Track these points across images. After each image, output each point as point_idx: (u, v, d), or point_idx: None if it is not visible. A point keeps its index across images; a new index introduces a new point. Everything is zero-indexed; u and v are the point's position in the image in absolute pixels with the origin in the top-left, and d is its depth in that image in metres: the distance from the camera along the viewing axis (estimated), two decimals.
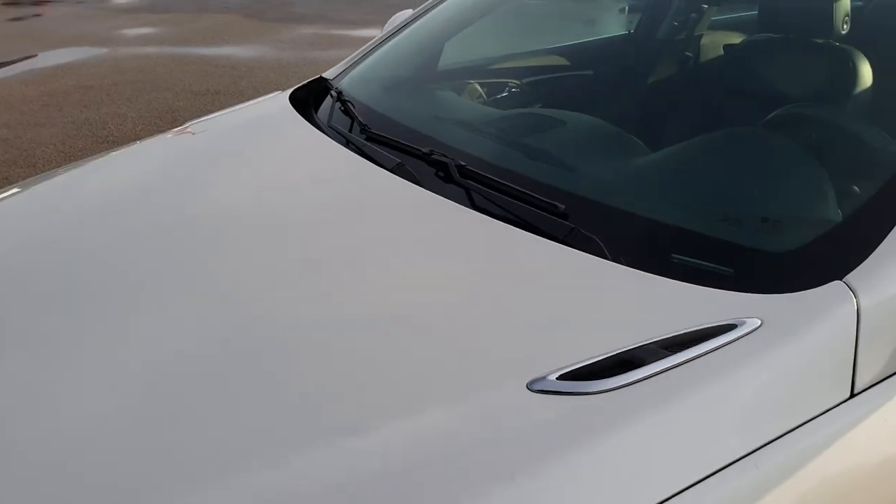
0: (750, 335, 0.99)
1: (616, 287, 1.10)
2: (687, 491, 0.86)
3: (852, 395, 0.99)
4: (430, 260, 1.23)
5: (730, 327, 1.00)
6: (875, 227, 1.07)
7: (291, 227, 1.36)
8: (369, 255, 1.25)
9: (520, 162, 1.45)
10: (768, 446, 0.92)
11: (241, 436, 0.93)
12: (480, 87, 2.12)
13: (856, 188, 1.21)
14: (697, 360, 0.96)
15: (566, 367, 0.97)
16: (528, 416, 0.92)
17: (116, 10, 11.84)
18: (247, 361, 1.04)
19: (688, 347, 0.97)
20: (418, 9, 2.35)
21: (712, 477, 0.88)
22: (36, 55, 8.47)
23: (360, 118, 1.67)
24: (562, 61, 2.39)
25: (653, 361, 0.96)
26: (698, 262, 1.13)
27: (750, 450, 0.91)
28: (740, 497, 0.89)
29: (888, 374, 1.01)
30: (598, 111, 1.66)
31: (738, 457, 0.90)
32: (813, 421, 0.96)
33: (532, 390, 0.95)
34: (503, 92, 2.14)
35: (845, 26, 1.87)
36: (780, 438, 0.93)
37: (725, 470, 0.89)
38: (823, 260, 1.07)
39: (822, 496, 0.94)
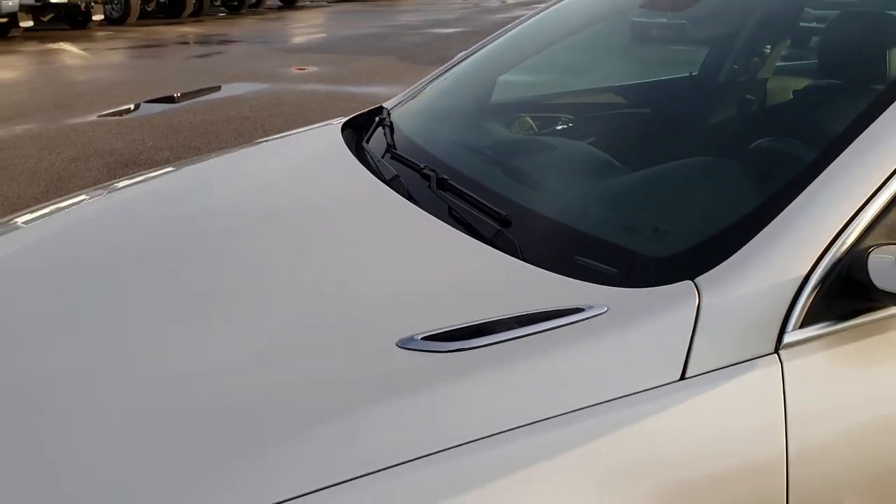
0: (594, 318, 1.15)
1: (502, 276, 1.29)
2: (504, 434, 1.04)
3: (682, 378, 1.12)
4: (377, 247, 1.46)
5: (578, 310, 1.17)
6: (733, 241, 1.20)
7: (283, 221, 1.64)
8: (330, 242, 1.50)
9: (486, 177, 1.65)
10: (592, 408, 1.08)
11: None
12: (532, 120, 2.32)
13: (732, 207, 1.34)
14: (542, 333, 1.14)
15: (432, 331, 1.17)
16: (388, 365, 1.13)
17: (288, 50, 12.82)
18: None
19: (536, 323, 1.15)
20: (480, 43, 2.58)
21: (530, 426, 1.05)
22: (210, 87, 9.36)
23: (388, 140, 1.93)
24: (614, 99, 2.55)
25: (503, 331, 1.15)
26: (580, 259, 1.30)
27: (569, 409, 1.07)
28: (557, 448, 1.05)
29: (720, 366, 1.14)
30: (583, 137, 1.84)
31: (556, 413, 1.07)
32: (639, 394, 1.10)
33: (399, 346, 1.15)
34: (552, 126, 2.34)
35: None
36: (606, 403, 1.09)
37: (545, 422, 1.06)
38: (682, 264, 1.22)
39: (639, 462, 1.09)
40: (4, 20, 14.12)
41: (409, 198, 1.63)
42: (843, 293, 1.18)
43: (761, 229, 1.20)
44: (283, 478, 0.97)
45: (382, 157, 1.89)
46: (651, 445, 1.09)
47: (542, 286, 1.25)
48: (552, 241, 1.39)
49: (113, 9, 17.29)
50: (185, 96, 8.92)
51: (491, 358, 1.11)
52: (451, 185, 1.59)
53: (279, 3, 22.74)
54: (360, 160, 1.91)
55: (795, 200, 1.21)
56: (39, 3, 14.79)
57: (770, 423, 1.13)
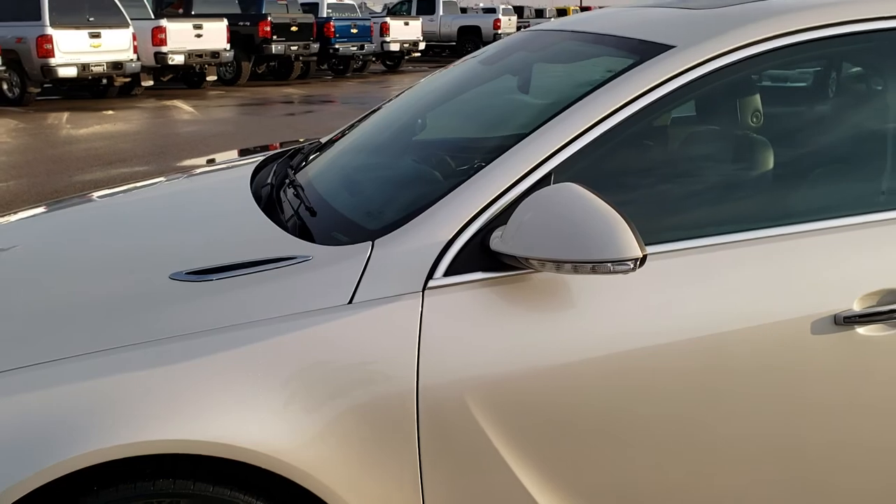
0: (300, 262, 1.70)
1: (264, 241, 1.85)
2: (227, 328, 1.59)
3: (350, 303, 1.65)
4: (198, 225, 2.07)
5: (292, 258, 1.72)
6: (405, 220, 1.74)
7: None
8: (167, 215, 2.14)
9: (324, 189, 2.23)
10: (289, 316, 1.61)
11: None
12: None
13: (412, 201, 1.85)
14: (264, 272, 1.69)
15: (196, 269, 1.74)
16: (161, 287, 1.71)
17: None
18: None
19: (262, 264, 1.71)
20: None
21: (246, 325, 1.60)
22: (288, 140, 10.28)
23: (288, 163, 2.54)
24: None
25: (241, 269, 1.71)
26: (334, 233, 1.85)
27: (274, 315, 1.61)
28: (264, 338, 1.59)
29: (378, 297, 1.66)
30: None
31: (264, 317, 1.61)
32: (320, 310, 1.63)
33: (169, 278, 1.73)
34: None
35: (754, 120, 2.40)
36: (297, 314, 1.62)
37: (257, 322, 1.60)
38: (374, 233, 1.75)
39: (318, 359, 1.61)
40: (128, 79, 15.70)
41: (256, 197, 2.23)
42: (478, 255, 1.69)
43: (421, 213, 1.73)
44: (74, 343, 1.56)
45: (269, 173, 2.49)
46: (325, 348, 1.61)
47: (285, 245, 1.81)
48: (324, 220, 1.95)
49: (226, 70, 18.84)
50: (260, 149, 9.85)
51: (234, 284, 1.68)
52: (287, 191, 2.18)
53: (383, 68, 24.07)
54: (254, 173, 2.52)
55: (445, 197, 1.74)
56: (159, 65, 16.38)
57: (408, 337, 1.64)
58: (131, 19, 15.50)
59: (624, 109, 1.80)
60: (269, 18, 18.67)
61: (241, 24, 18.63)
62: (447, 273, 1.69)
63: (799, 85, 2.28)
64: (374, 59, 23.01)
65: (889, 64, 2.00)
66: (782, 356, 1.77)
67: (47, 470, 1.46)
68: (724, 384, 1.75)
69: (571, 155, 1.77)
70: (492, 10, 31.10)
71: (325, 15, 21.67)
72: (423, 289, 1.67)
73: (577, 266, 1.57)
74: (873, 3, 1.94)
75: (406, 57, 23.41)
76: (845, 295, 1.79)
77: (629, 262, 1.54)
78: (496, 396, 1.67)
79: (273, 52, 18.82)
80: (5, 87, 14.40)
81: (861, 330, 1.80)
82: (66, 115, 13.40)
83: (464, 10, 30.89)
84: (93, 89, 15.91)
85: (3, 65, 13.49)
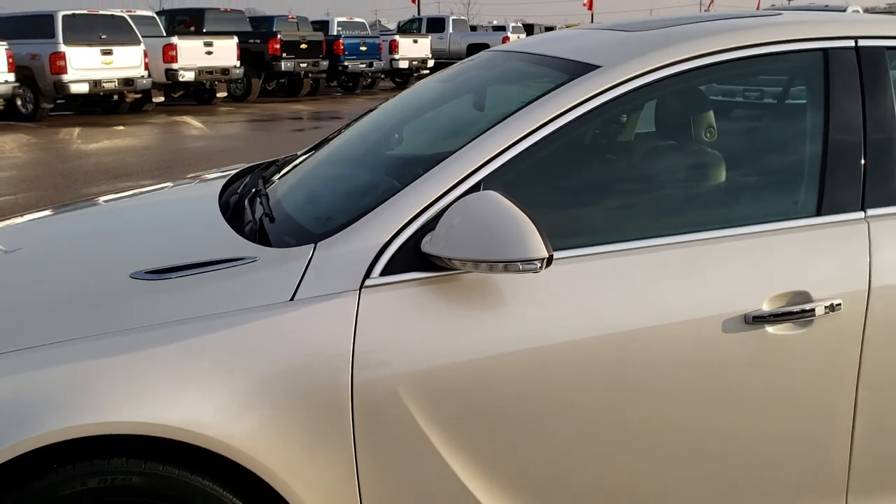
0: (247, 263, 1.86)
1: (223, 245, 2.01)
2: (179, 322, 1.74)
3: (291, 300, 1.80)
4: (164, 231, 2.23)
5: (240, 259, 1.88)
6: (347, 224, 1.89)
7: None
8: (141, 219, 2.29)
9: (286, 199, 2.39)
10: (237, 311, 1.76)
11: None
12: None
13: (356, 209, 1.99)
14: (215, 271, 1.85)
15: (154, 269, 1.90)
16: (122, 285, 1.87)
17: None
18: None
19: (214, 264, 1.87)
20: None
21: (200, 317, 1.75)
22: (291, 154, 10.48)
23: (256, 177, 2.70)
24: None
25: (195, 269, 1.86)
26: (284, 237, 2.01)
27: (224, 310, 1.76)
28: (215, 330, 1.74)
29: (318, 294, 1.81)
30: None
31: (214, 312, 1.76)
32: (264, 306, 1.78)
33: (129, 277, 1.89)
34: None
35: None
36: (243, 309, 1.77)
37: (210, 316, 1.75)
38: (318, 235, 1.91)
39: (260, 351, 1.76)
40: (139, 96, 16.01)
41: (224, 205, 2.39)
42: (412, 257, 1.84)
43: (360, 218, 1.88)
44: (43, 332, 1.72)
45: (241, 184, 2.65)
46: (267, 341, 1.76)
47: (238, 248, 1.96)
48: (279, 226, 2.10)
49: (236, 87, 19.14)
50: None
51: (187, 283, 1.83)
52: (252, 199, 2.35)
53: (392, 85, 24.34)
54: (228, 184, 2.69)
55: (382, 205, 1.89)
56: (170, 82, 16.68)
57: (344, 332, 1.79)
58: (144, 37, 15.82)
59: (550, 125, 1.95)
60: (278, 36, 18.98)
61: (252, 41, 18.94)
62: (383, 273, 1.84)
63: (717, 99, 2.43)
64: (383, 76, 23.29)
65: (796, 82, 2.15)
66: (695, 352, 1.91)
67: (7, 449, 1.61)
68: (639, 378, 1.89)
69: (500, 165, 1.92)
70: (501, 28, 31.37)
71: (335, 33, 21.98)
72: (360, 287, 1.82)
73: (492, 265, 1.72)
74: (773, 29, 2.10)
75: (415, 74, 23.68)
76: (756, 296, 1.93)
77: (536, 262, 1.69)
78: (428, 388, 1.82)
79: (282, 69, 19.11)
80: (19, 102, 14.72)
81: (770, 329, 1.93)
82: (77, 130, 13.68)
83: (473, 28, 31.20)
84: (105, 105, 16.22)
85: (17, 81, 13.80)
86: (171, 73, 16.56)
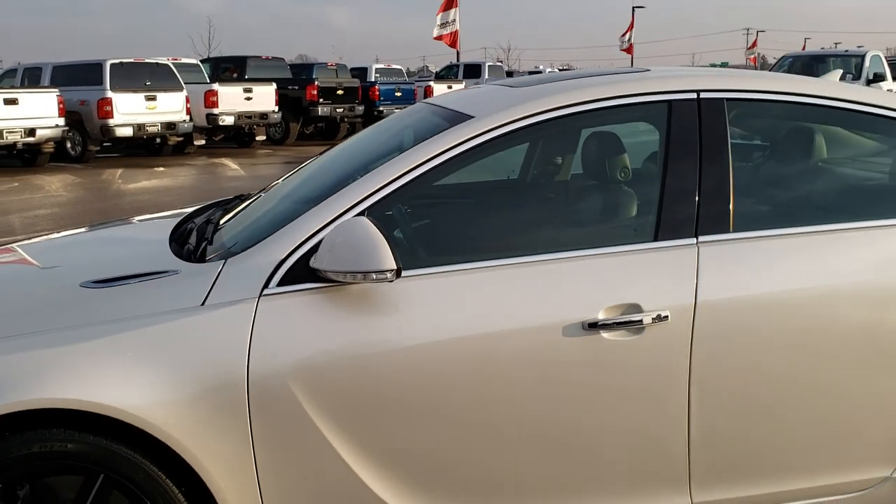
0: (170, 275, 2.29)
1: (155, 261, 2.44)
2: (111, 321, 2.18)
3: (202, 305, 2.22)
4: (116, 251, 2.67)
5: (166, 272, 2.31)
6: (252, 245, 2.32)
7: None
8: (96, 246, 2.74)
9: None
10: (161, 313, 2.19)
11: None
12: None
13: (267, 233, 2.41)
14: (145, 281, 2.28)
15: (100, 279, 2.35)
16: (73, 292, 2.31)
17: None
18: None
19: (145, 276, 2.30)
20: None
21: (128, 318, 2.18)
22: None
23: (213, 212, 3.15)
24: None
25: (129, 279, 2.30)
26: (208, 255, 2.44)
27: (148, 312, 2.19)
28: (146, 329, 2.17)
29: (224, 301, 2.22)
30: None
31: (140, 314, 2.19)
32: (180, 310, 2.21)
33: (80, 286, 2.33)
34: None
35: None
36: (166, 311, 2.20)
37: (137, 317, 2.19)
38: (231, 253, 2.33)
39: (179, 350, 2.18)
40: (181, 139, 16.82)
41: (175, 231, 2.84)
42: (305, 271, 2.25)
43: (263, 240, 2.31)
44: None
45: (200, 214, 3.10)
46: (181, 339, 2.18)
47: (169, 264, 2.40)
48: (210, 247, 2.53)
49: (275, 131, 19.93)
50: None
51: (122, 290, 2.27)
52: (201, 226, 2.79)
53: None
54: (193, 214, 3.14)
55: (283, 228, 2.31)
56: (211, 126, 17.49)
57: (243, 333, 2.19)
58: (188, 83, 16.66)
59: (425, 164, 2.36)
60: (316, 83, 19.75)
61: (290, 87, 19.73)
62: (280, 284, 2.25)
63: (569, 143, 2.82)
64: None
65: (645, 128, 2.54)
66: (543, 353, 2.28)
67: None
68: (495, 374, 2.26)
69: (382, 197, 2.33)
70: (537, 72, 31.93)
71: (372, 79, 22.75)
72: (259, 295, 2.24)
73: (354, 275, 2.13)
74: (624, 85, 2.50)
75: None
76: (592, 307, 2.30)
77: (387, 273, 2.10)
78: (312, 379, 2.21)
79: (319, 113, 19.85)
80: (68, 145, 15.60)
81: (606, 334, 2.30)
82: (119, 171, 14.46)
83: (510, 74, 31.82)
84: (148, 147, 17.06)
85: (66, 125, 14.68)
86: (211, 118, 17.37)
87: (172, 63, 16.90)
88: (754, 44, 72.57)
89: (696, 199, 2.43)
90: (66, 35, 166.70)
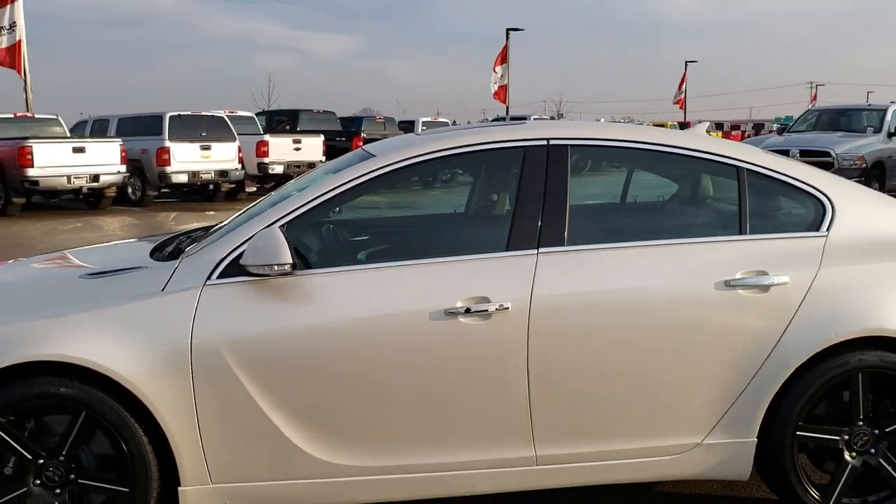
0: (140, 269, 3.12)
1: (135, 262, 3.28)
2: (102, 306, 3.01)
3: (162, 291, 3.04)
4: (114, 256, 3.53)
5: (137, 268, 3.14)
6: (201, 249, 3.14)
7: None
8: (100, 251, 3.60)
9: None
10: (141, 297, 3.02)
11: None
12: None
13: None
14: (122, 274, 3.11)
15: (92, 272, 3.18)
16: (74, 282, 3.16)
17: None
18: None
19: (124, 271, 3.14)
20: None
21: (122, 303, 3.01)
22: None
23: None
24: None
25: (115, 272, 3.14)
26: (168, 256, 3.26)
27: (133, 297, 3.02)
28: (133, 308, 3.00)
29: (179, 289, 3.03)
30: None
31: (129, 297, 3.02)
32: (146, 295, 3.03)
33: (78, 277, 3.18)
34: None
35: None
36: (142, 296, 3.02)
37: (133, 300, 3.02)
38: (186, 255, 3.16)
39: (155, 330, 3.00)
40: (233, 185, 18.01)
41: (157, 243, 3.68)
42: (238, 267, 3.05)
43: (211, 244, 3.12)
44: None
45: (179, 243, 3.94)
46: (146, 317, 2.99)
47: (143, 263, 3.23)
48: (179, 253, 3.36)
49: None
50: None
51: (105, 280, 3.11)
52: (180, 238, 3.62)
53: (471, 179, 25.90)
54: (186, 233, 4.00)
55: (225, 235, 3.13)
56: (261, 174, 18.68)
57: (188, 313, 2.99)
58: (241, 134, 17.91)
59: (334, 190, 3.16)
60: (362, 134, 20.88)
61: (338, 139, 20.89)
62: (220, 276, 3.05)
63: (455, 176, 3.61)
64: (461, 171, 24.91)
65: (509, 167, 3.32)
66: (413, 332, 3.02)
67: None
68: (379, 351, 3.01)
69: (298, 215, 3.13)
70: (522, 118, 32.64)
71: (419, 132, 23.82)
72: (203, 285, 3.04)
73: (264, 267, 2.92)
74: (486, 134, 3.28)
75: None
76: (452, 298, 3.04)
77: (286, 266, 2.89)
78: (240, 350, 2.99)
79: None
80: (129, 190, 16.91)
81: (462, 319, 3.03)
82: (174, 214, 15.63)
83: None
84: (203, 193, 18.28)
85: (128, 172, 15.98)
86: (262, 166, 18.57)
87: (227, 115, 18.19)
88: (814, 98, 72.21)
89: (539, 220, 3.17)
90: (156, 89, 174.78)
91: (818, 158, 14.51)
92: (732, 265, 3.15)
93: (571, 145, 3.29)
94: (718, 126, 50.49)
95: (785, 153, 14.97)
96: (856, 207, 3.33)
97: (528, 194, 3.21)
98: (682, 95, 46.16)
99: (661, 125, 43.84)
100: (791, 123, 17.94)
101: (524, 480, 3.15)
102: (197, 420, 3.00)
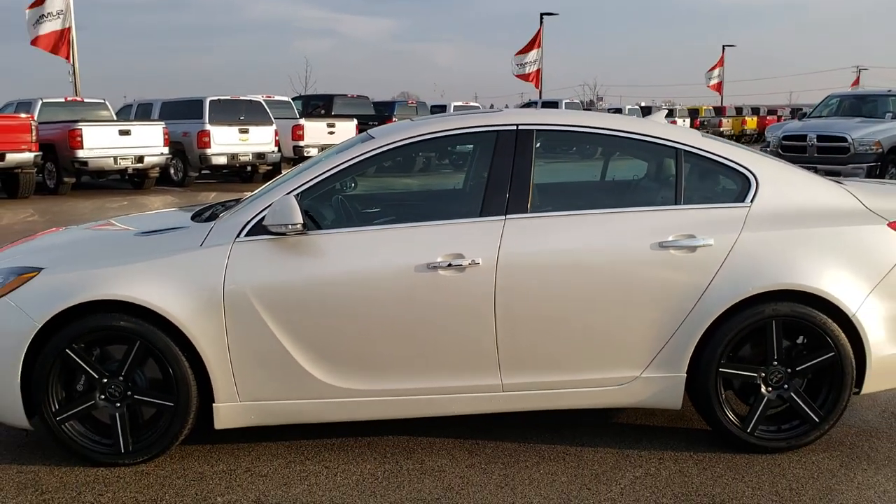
0: (183, 229, 3.87)
1: (180, 223, 4.03)
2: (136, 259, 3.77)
3: (201, 246, 3.78)
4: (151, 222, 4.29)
5: (181, 227, 3.90)
6: (232, 212, 3.89)
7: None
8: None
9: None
10: (184, 250, 3.77)
11: None
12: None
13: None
14: (170, 232, 3.86)
15: (145, 230, 3.94)
16: (127, 240, 3.92)
17: None
18: None
19: (171, 230, 3.89)
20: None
21: (162, 255, 3.77)
22: None
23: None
24: None
25: (164, 231, 3.89)
26: (208, 219, 4.01)
27: (173, 251, 3.77)
28: (169, 258, 3.75)
29: (215, 244, 3.78)
30: None
31: (163, 254, 3.77)
32: (189, 248, 3.78)
33: (134, 235, 3.94)
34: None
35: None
36: (185, 249, 3.77)
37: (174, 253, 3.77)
38: (218, 218, 3.90)
39: (200, 276, 3.74)
40: (270, 167, 18.85)
41: (198, 210, 4.43)
42: (262, 227, 3.77)
43: (242, 209, 3.85)
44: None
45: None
46: (188, 267, 3.73)
47: (185, 224, 3.97)
48: (215, 216, 4.09)
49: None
50: None
51: (156, 237, 3.86)
52: (218, 206, 4.37)
53: None
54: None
55: (251, 202, 3.86)
56: (297, 157, 19.49)
57: (221, 264, 3.73)
58: (278, 118, 18.72)
59: (341, 165, 3.88)
60: (393, 118, 21.58)
61: (371, 123, 21.61)
62: (247, 235, 3.79)
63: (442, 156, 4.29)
64: (438, 159, 25.63)
65: (483, 147, 4.01)
66: (402, 281, 3.73)
67: (68, 304, 3.64)
68: (374, 295, 3.73)
69: (314, 184, 3.85)
70: (618, 111, 33.07)
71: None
72: (234, 241, 3.78)
73: (280, 227, 3.65)
74: (469, 119, 3.98)
75: None
76: (433, 254, 3.74)
77: (298, 225, 3.62)
78: (264, 294, 3.72)
79: None
80: (171, 171, 17.83)
81: (442, 272, 3.73)
82: (213, 194, 16.51)
83: (588, 110, 33.02)
84: (241, 175, 19.16)
85: (170, 154, 16.88)
86: (297, 149, 19.38)
87: (265, 100, 19.02)
88: (855, 82, 71.35)
89: (508, 192, 3.85)
90: (203, 72, 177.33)
91: (835, 143, 14.91)
92: (666, 230, 3.81)
93: (537, 130, 3.97)
94: (755, 111, 50.28)
95: (802, 138, 15.39)
96: (777, 183, 3.96)
97: (499, 170, 3.89)
98: (719, 79, 46.14)
99: (696, 110, 44.02)
100: (812, 109, 18.26)
101: (492, 404, 3.85)
102: (228, 350, 3.74)
